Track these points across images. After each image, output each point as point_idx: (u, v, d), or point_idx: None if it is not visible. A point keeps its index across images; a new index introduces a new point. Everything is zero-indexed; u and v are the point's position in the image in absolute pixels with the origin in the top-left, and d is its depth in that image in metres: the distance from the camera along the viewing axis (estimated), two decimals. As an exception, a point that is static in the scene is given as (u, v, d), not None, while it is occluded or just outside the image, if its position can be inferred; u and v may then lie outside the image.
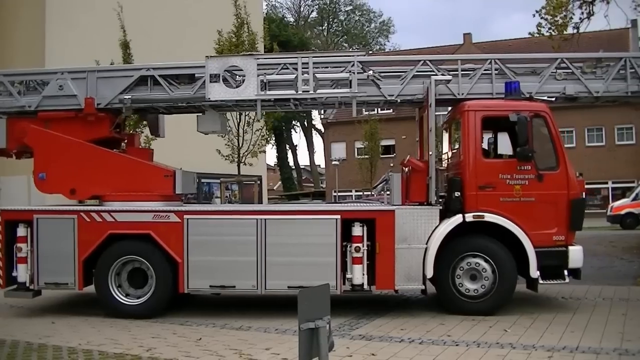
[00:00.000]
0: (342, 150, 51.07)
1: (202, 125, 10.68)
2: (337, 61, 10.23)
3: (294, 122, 64.01)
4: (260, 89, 9.77)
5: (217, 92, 9.79)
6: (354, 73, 9.72)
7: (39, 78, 10.51)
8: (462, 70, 9.91)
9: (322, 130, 59.27)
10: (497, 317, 8.93)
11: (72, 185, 9.90)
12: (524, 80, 9.80)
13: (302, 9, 73.19)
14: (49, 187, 10.05)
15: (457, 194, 9.26)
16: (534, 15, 18.87)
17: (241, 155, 19.91)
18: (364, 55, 10.46)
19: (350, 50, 68.32)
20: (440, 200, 9.52)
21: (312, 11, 73.98)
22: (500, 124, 9.90)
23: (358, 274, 9.06)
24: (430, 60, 9.98)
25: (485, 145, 9.98)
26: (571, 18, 18.58)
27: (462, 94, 9.83)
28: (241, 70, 9.82)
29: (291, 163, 67.06)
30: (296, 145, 69.39)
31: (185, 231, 9.30)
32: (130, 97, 10.12)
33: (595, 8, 18.53)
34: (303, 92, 9.76)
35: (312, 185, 67.12)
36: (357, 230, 9.11)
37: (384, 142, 41.71)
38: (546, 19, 18.59)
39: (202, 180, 28.78)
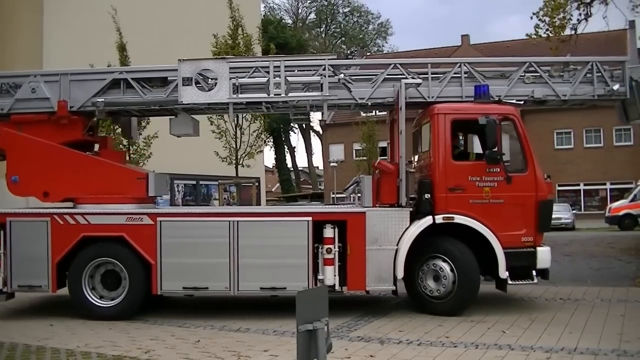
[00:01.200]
0: (340, 151, 51.10)
1: (174, 128, 10.76)
2: (309, 64, 10.31)
3: (292, 124, 64.02)
4: (232, 92, 9.84)
5: (190, 95, 9.87)
6: (325, 76, 9.82)
7: (12, 81, 10.42)
8: (432, 74, 10.04)
9: (320, 132, 59.28)
10: (495, 319, 8.95)
11: (45, 188, 9.87)
12: (493, 83, 9.94)
13: (300, 10, 73.35)
14: (22, 190, 10.04)
15: (427, 196, 9.40)
16: (531, 18, 18.91)
17: (239, 157, 19.89)
18: (335, 59, 10.53)
19: (349, 52, 68.70)
20: (411, 202, 9.63)
21: (310, 13, 74.16)
22: (469, 127, 10.05)
23: (329, 275, 9.17)
24: (400, 64, 10.12)
25: (455, 148, 10.09)
26: (569, 19, 18.63)
27: (432, 97, 9.96)
28: (213, 73, 9.89)
29: (289, 165, 67.09)
30: (294, 147, 69.50)
31: (158, 233, 9.34)
32: (103, 100, 10.13)
33: (593, 9, 18.59)
34: (275, 95, 9.85)
35: (311, 187, 67.13)
36: (329, 231, 9.22)
37: (382, 144, 41.69)
38: (544, 21, 18.63)
39: (201, 183, 28.78)
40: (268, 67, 9.87)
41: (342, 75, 9.97)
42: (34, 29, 23.22)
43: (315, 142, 67.61)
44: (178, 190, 28.04)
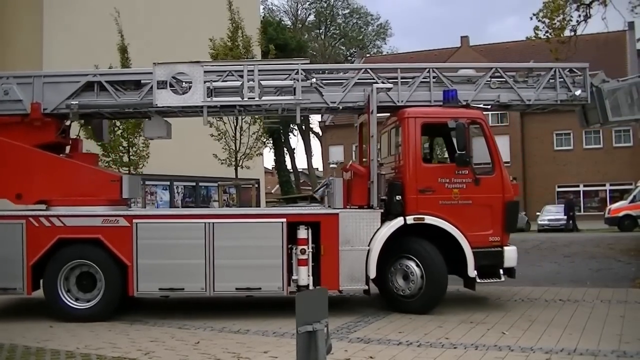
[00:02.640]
0: (339, 153, 51.12)
1: (148, 131, 10.86)
2: (282, 69, 10.47)
3: (291, 126, 63.98)
4: (206, 95, 9.92)
5: (164, 98, 9.93)
6: (297, 80, 9.97)
7: None
8: (401, 78, 10.26)
9: (320, 133, 59.25)
10: (495, 320, 8.96)
11: (18, 190, 9.82)
12: (460, 88, 10.19)
13: (299, 12, 73.25)
14: None
15: (398, 197, 9.58)
16: (531, 19, 18.94)
17: (238, 158, 19.89)
18: (308, 63, 10.67)
19: (349, 55, 68.70)
20: (381, 203, 9.79)
21: (310, 14, 74.03)
22: (438, 130, 10.37)
23: (303, 276, 9.32)
24: (370, 69, 10.36)
25: (424, 151, 10.32)
26: (569, 21, 18.66)
27: (402, 101, 10.19)
28: (188, 77, 9.96)
29: (289, 166, 67.01)
30: (294, 149, 69.33)
31: (134, 235, 9.38)
32: (77, 102, 10.14)
33: (593, 10, 18.63)
34: (248, 99, 9.95)
35: (310, 188, 67.03)
36: (302, 232, 9.38)
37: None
38: (544, 22, 18.66)
39: (200, 184, 28.78)
40: (242, 71, 10.01)
41: (314, 80, 10.16)
42: (34, 30, 23.23)
43: (315, 143, 67.61)
44: (177, 192, 28.03)
